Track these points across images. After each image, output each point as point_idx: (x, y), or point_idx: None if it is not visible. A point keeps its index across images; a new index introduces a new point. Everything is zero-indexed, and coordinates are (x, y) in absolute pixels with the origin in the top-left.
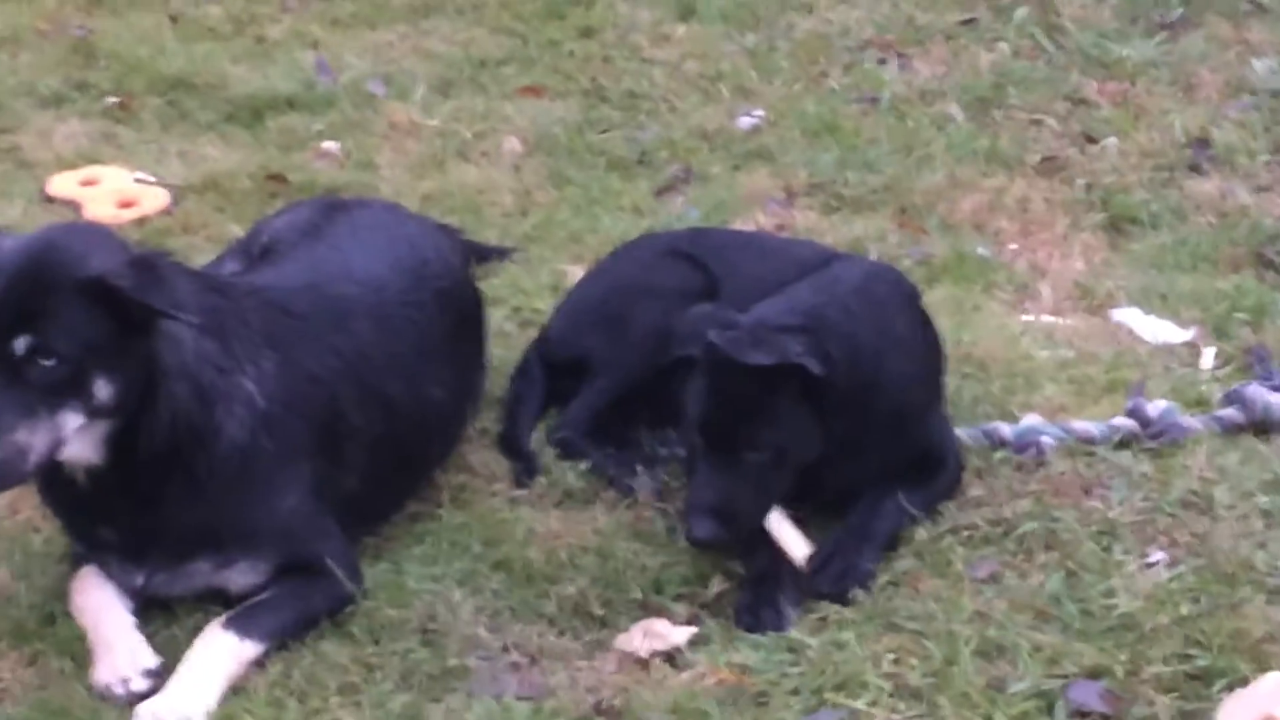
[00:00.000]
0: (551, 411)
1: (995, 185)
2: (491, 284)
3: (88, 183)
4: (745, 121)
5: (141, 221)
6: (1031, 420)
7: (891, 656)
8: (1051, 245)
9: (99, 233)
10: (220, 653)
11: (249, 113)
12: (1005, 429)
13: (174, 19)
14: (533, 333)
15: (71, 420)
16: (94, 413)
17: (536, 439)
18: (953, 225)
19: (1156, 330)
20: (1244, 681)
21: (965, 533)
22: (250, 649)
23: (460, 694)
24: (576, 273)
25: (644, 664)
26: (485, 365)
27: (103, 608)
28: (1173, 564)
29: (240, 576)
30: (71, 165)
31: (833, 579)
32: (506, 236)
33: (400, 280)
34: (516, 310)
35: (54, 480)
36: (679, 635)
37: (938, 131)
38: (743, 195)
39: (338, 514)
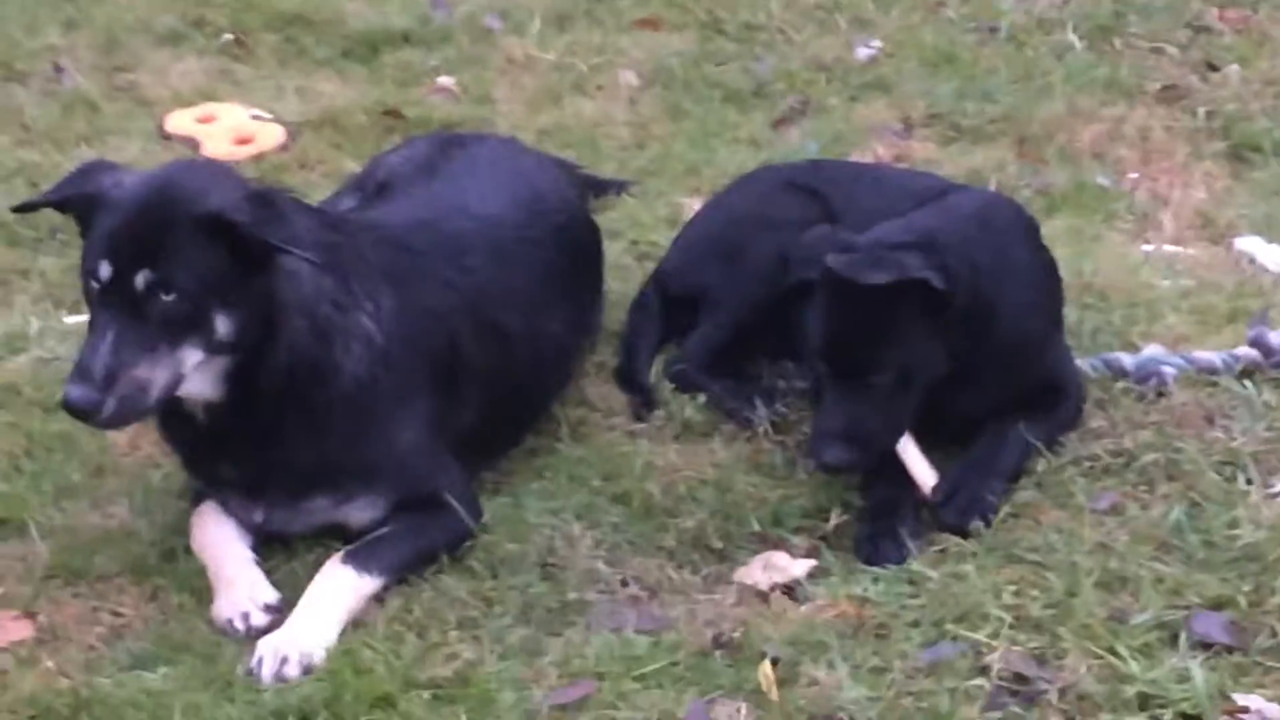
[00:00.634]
0: (669, 345)
1: (1115, 114)
2: (608, 217)
3: (205, 120)
4: (863, 52)
5: (258, 158)
6: (1153, 350)
7: (1012, 588)
8: (1172, 174)
9: (217, 169)
10: (340, 587)
11: (365, 48)
12: (1126, 359)
13: None
14: (650, 266)
15: (191, 356)
16: (214, 348)
17: (654, 372)
18: (1072, 155)
19: (1279, 259)
20: None
21: (1086, 464)
22: (369, 583)
23: (579, 628)
24: (693, 206)
25: (763, 597)
26: (602, 299)
27: (223, 543)
28: None
29: (359, 512)
30: (189, 102)
31: (958, 511)
32: (623, 170)
33: (517, 215)
34: (634, 244)
35: (173, 416)
36: (798, 568)
37: (1057, 61)
38: (860, 126)
39: (456, 449)
